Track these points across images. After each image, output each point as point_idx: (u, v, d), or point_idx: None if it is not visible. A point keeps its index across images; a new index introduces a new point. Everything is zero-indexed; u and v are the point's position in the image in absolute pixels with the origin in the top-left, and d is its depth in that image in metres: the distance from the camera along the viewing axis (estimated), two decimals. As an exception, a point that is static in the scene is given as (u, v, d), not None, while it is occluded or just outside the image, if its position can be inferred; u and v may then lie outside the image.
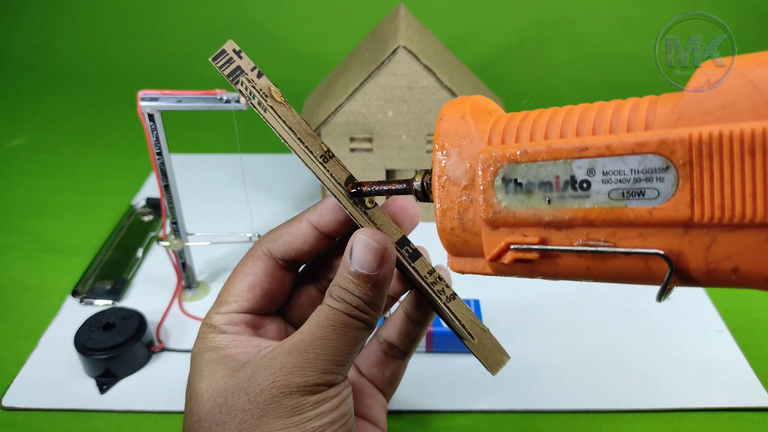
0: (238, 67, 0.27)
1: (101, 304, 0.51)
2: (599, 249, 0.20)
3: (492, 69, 0.94)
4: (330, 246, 0.32)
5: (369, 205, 0.28)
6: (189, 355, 0.46)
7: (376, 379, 0.35)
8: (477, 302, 0.47)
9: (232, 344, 0.29)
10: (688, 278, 0.20)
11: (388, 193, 0.27)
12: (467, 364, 0.45)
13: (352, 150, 0.56)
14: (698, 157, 0.18)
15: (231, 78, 0.27)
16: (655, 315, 0.49)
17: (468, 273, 0.25)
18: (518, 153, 0.21)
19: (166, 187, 0.46)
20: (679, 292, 0.56)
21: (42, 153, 0.77)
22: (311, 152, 0.28)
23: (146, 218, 0.63)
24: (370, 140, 0.56)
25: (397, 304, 0.34)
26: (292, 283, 0.32)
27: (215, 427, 0.26)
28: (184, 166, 0.67)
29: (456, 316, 0.29)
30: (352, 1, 1.01)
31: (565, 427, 0.41)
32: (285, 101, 0.28)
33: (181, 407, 0.42)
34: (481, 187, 0.22)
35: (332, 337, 0.27)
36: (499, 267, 0.23)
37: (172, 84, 0.72)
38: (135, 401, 0.43)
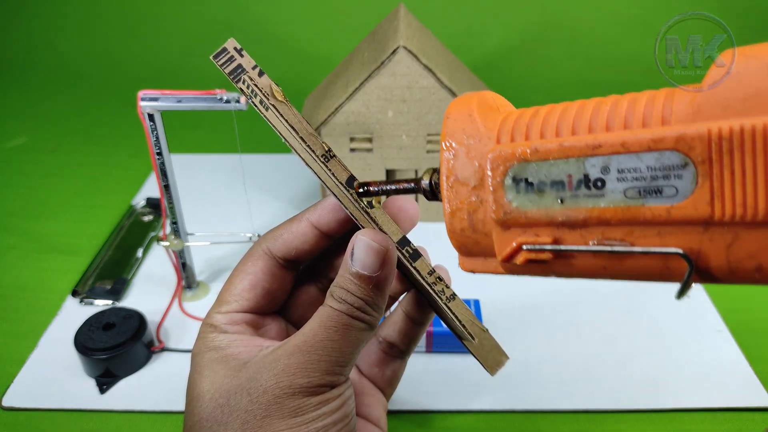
0: (239, 66, 0.27)
1: (101, 304, 0.51)
2: (616, 249, 0.20)
3: (492, 69, 0.94)
4: (330, 245, 0.32)
5: (376, 205, 0.28)
6: (189, 355, 0.46)
7: (376, 379, 0.35)
8: (477, 302, 0.47)
9: (234, 344, 0.29)
10: (709, 276, 0.19)
11: (397, 193, 0.27)
12: (467, 364, 0.45)
13: (352, 150, 0.56)
14: (718, 153, 0.17)
15: (232, 76, 0.27)
16: (656, 315, 0.49)
17: (480, 272, 0.25)
18: (528, 151, 0.21)
19: (166, 187, 0.46)
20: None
21: (42, 153, 0.77)
22: (312, 151, 0.28)
23: (146, 218, 0.63)
24: (370, 140, 0.56)
25: (395, 304, 0.34)
26: (292, 283, 0.32)
27: (217, 428, 0.26)
28: (184, 166, 0.67)
29: (456, 317, 0.29)
30: (352, 1, 1.01)
31: (565, 427, 0.41)
32: (286, 100, 0.28)
33: (181, 407, 0.42)
34: (491, 188, 0.22)
35: (334, 338, 0.27)
36: (512, 267, 0.22)
37: (172, 84, 0.72)
38: (135, 401, 0.43)
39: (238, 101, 0.42)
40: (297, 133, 0.27)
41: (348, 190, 0.28)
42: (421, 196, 0.33)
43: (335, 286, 0.27)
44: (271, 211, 0.63)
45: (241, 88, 0.27)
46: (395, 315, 0.34)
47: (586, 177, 0.20)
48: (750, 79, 0.17)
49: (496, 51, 0.98)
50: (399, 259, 0.28)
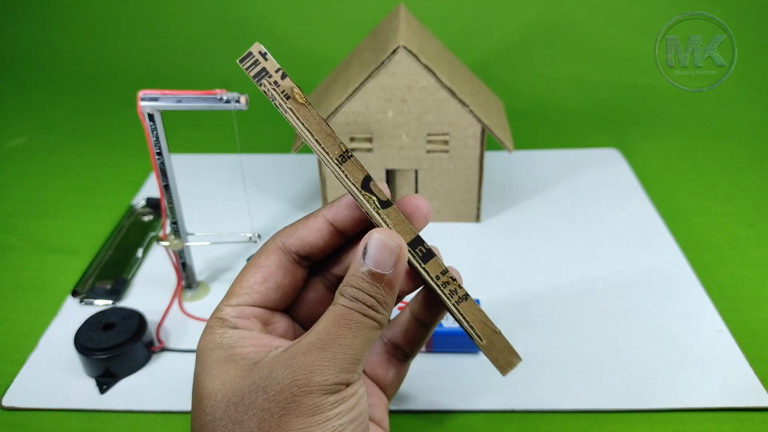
0: (264, 69, 0.28)
1: (101, 304, 0.51)
2: None
3: (492, 69, 0.94)
4: (342, 243, 0.32)
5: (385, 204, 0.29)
6: (189, 354, 0.47)
7: (378, 380, 0.35)
8: (477, 301, 0.47)
9: (241, 342, 0.28)
10: None
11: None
12: (467, 364, 0.45)
13: (353, 150, 0.56)
14: None
15: (256, 79, 0.28)
16: (655, 315, 0.49)
17: None
18: None
19: (166, 187, 0.46)
20: (679, 292, 0.56)
21: (42, 153, 0.77)
22: (327, 153, 0.28)
23: (146, 218, 0.63)
24: (370, 140, 0.56)
25: (399, 303, 0.35)
26: (304, 280, 0.32)
27: (232, 426, 0.26)
28: (184, 166, 0.67)
29: (464, 317, 0.29)
30: (352, 1, 1.01)
31: (565, 427, 0.41)
32: (307, 102, 0.28)
33: (181, 407, 0.42)
34: None
35: (348, 336, 0.27)
36: None
37: (172, 84, 0.72)
38: (135, 401, 0.43)
39: (238, 101, 0.42)
40: (312, 135, 0.28)
41: (361, 191, 0.28)
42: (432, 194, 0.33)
43: (346, 285, 0.27)
44: (271, 211, 0.63)
45: (264, 91, 0.28)
46: (402, 316, 0.35)
47: None
48: None
49: (496, 51, 0.97)
50: (410, 259, 0.29)
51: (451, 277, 0.29)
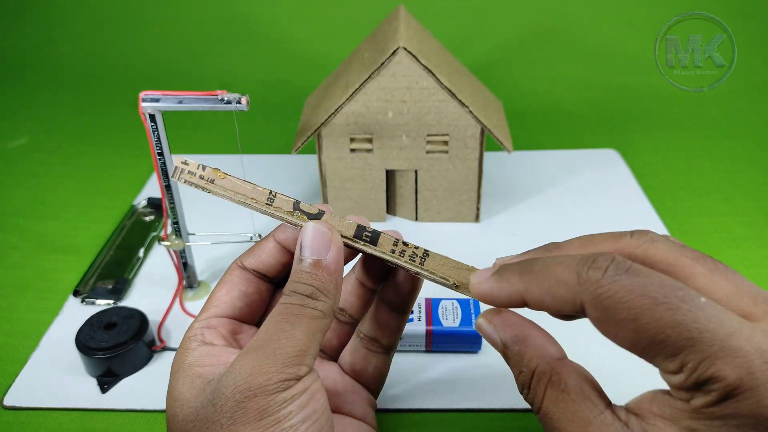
0: (191, 171, 0.31)
1: (102, 303, 0.51)
2: None
3: (492, 70, 0.94)
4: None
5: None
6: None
7: (359, 376, 0.35)
8: (477, 302, 0.47)
9: (202, 360, 0.29)
10: None
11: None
12: (467, 364, 0.45)
13: (353, 150, 0.56)
14: None
15: (183, 180, 0.31)
16: (655, 315, 0.49)
17: None
18: None
19: (168, 187, 0.47)
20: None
21: (43, 153, 0.77)
22: (257, 202, 0.31)
23: (147, 218, 0.63)
24: (370, 141, 0.56)
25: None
26: (270, 292, 0.33)
27: None
28: (184, 167, 0.67)
29: (436, 273, 0.30)
30: (352, 2, 1.02)
31: (565, 427, 0.41)
32: (227, 174, 0.32)
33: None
34: None
35: (287, 329, 0.27)
36: None
37: (173, 85, 0.72)
38: (136, 400, 0.43)
39: (239, 102, 0.42)
40: (242, 196, 0.31)
41: (294, 214, 0.31)
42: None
43: (287, 285, 0.28)
44: (272, 212, 0.63)
45: (194, 185, 0.31)
46: (371, 307, 0.35)
47: None
48: None
49: (496, 52, 0.98)
50: (361, 248, 0.30)
51: (404, 243, 0.30)
